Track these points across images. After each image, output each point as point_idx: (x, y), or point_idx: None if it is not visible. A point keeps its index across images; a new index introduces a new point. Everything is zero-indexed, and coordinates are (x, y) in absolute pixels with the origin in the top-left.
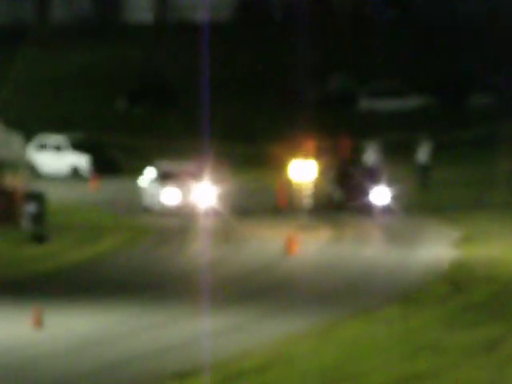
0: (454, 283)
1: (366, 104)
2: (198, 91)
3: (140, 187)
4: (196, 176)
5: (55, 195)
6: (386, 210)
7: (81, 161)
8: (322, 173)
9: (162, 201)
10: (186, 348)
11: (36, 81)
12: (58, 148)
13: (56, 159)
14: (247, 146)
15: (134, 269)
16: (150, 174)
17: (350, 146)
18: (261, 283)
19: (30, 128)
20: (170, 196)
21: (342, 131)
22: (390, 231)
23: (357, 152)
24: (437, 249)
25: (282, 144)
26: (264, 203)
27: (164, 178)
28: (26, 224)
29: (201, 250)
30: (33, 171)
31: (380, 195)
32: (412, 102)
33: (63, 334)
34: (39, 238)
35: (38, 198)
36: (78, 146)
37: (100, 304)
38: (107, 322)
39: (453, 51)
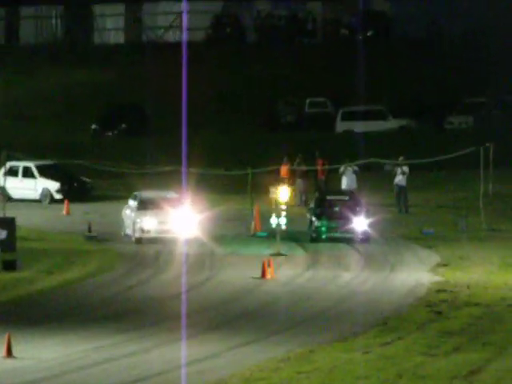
0: (434, 309)
1: (342, 126)
2: (173, 114)
3: (122, 215)
4: (176, 204)
5: (26, 220)
6: (365, 239)
7: (51, 186)
8: (297, 197)
9: (140, 228)
10: (162, 376)
11: (4, 104)
12: (28, 173)
13: (26, 185)
14: (224, 169)
15: (107, 296)
16: (131, 202)
17: (325, 169)
18: (236, 309)
19: None
20: (148, 224)
21: (318, 153)
22: (368, 256)
23: (330, 174)
24: (416, 274)
25: (259, 168)
26: (241, 228)
27: (143, 205)
28: None
29: (176, 276)
30: (4, 196)
31: (359, 225)
32: (390, 124)
33: (34, 363)
34: (9, 265)
35: (8, 223)
36: (47, 172)
37: (73, 332)
38: (80, 351)
39: (433, 71)
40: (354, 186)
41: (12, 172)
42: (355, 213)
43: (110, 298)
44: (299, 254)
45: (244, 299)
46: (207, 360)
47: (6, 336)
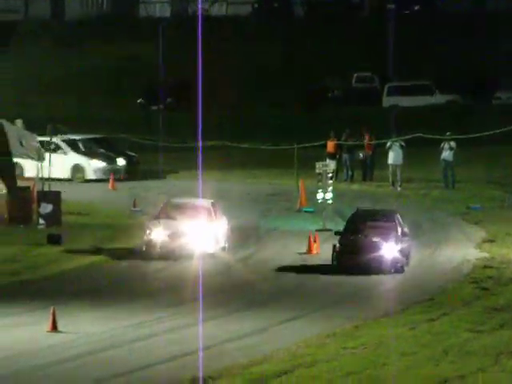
0: (480, 285)
1: (389, 101)
2: (218, 88)
3: None
4: (202, 215)
5: (71, 195)
6: (397, 269)
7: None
8: (343, 172)
9: (147, 240)
10: (205, 352)
11: (51, 79)
12: (73, 147)
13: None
14: (271, 145)
15: (151, 271)
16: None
17: (372, 144)
18: (282, 285)
19: (45, 127)
20: (156, 235)
21: (365, 128)
22: (414, 232)
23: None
24: (462, 250)
25: (306, 142)
26: (287, 204)
27: (161, 214)
28: (42, 224)
29: (220, 251)
30: (50, 170)
31: (389, 252)
32: (437, 99)
33: (78, 337)
34: (55, 239)
35: (53, 197)
36: (93, 146)
37: (116, 307)
38: (123, 326)
39: (479, 46)
40: (401, 161)
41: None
42: (387, 238)
43: (154, 273)
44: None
45: (289, 274)
46: (252, 336)
47: (51, 310)
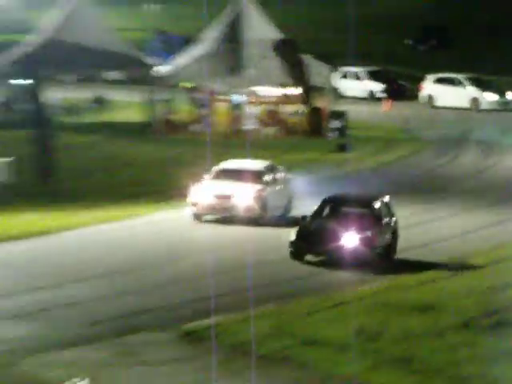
0: None
1: None
2: (473, 33)
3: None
4: (251, 178)
5: (355, 114)
6: (362, 260)
7: (376, 87)
8: None
9: (191, 202)
10: (451, 241)
11: (339, 21)
12: (357, 76)
13: (355, 85)
14: None
15: (416, 174)
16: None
17: None
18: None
19: (334, 60)
20: (199, 197)
21: None
22: None
23: None
24: None
25: None
26: None
27: (212, 176)
28: (332, 136)
29: (471, 161)
30: (337, 95)
31: (349, 242)
32: None
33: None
34: (342, 148)
35: (341, 115)
36: (373, 75)
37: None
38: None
39: None
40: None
41: (345, 75)
42: (348, 226)
43: (417, 177)
44: None
45: None
46: (489, 227)
47: None
